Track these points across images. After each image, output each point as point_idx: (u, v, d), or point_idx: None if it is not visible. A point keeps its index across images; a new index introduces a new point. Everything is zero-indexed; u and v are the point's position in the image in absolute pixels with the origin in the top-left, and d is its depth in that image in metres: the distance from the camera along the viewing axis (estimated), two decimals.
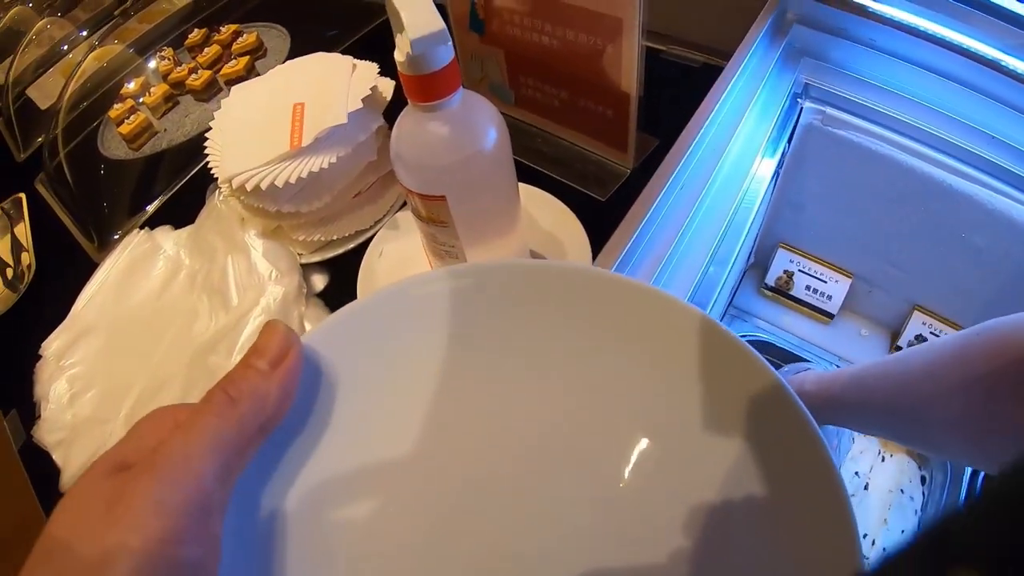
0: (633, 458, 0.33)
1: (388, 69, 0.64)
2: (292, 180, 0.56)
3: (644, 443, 0.33)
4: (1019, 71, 0.61)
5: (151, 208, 0.78)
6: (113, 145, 0.90)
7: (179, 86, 0.94)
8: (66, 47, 1.11)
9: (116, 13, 1.11)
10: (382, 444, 0.32)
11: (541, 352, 0.36)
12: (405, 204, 0.67)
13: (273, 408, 0.27)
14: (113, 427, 0.57)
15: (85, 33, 1.10)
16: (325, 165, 0.56)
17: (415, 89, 0.42)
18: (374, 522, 0.31)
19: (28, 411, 0.63)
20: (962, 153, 0.67)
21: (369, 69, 0.63)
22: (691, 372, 0.33)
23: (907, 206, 0.76)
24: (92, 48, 1.01)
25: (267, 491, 0.29)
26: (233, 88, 0.67)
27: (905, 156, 0.70)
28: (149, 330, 0.63)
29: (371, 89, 0.60)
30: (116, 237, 0.75)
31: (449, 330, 0.35)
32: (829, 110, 0.71)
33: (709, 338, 0.33)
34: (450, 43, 0.40)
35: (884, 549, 0.81)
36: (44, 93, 1.06)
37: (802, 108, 0.70)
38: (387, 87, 0.65)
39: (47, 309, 0.69)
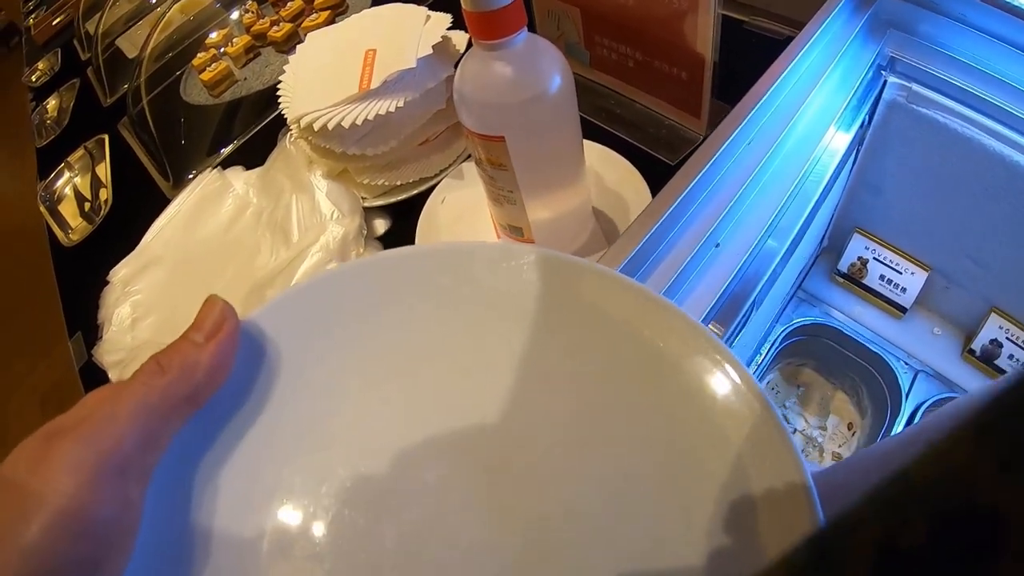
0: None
1: (463, 24, 0.65)
2: (359, 122, 0.57)
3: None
4: None
5: (226, 151, 0.81)
6: (195, 92, 0.93)
7: (261, 37, 0.97)
8: (155, 1, 1.15)
9: None
10: (318, 426, 0.31)
11: (500, 342, 0.34)
12: (471, 156, 0.67)
13: (203, 378, 0.27)
14: None
15: None
16: (392, 109, 0.57)
17: (478, 26, 0.42)
18: (302, 507, 0.30)
19: (92, 334, 0.66)
20: None
21: (442, 19, 0.64)
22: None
23: (994, 197, 0.71)
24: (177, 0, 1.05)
25: (199, 468, 0.28)
26: (309, 35, 0.68)
27: (996, 143, 0.66)
28: (212, 263, 0.65)
29: (442, 38, 0.61)
30: (191, 176, 0.78)
31: (397, 314, 0.34)
32: (915, 87, 0.67)
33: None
34: None
35: None
36: (133, 43, 1.10)
37: (885, 82, 0.67)
38: (460, 39, 0.65)
39: (120, 241, 0.72)
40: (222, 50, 0.95)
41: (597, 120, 0.69)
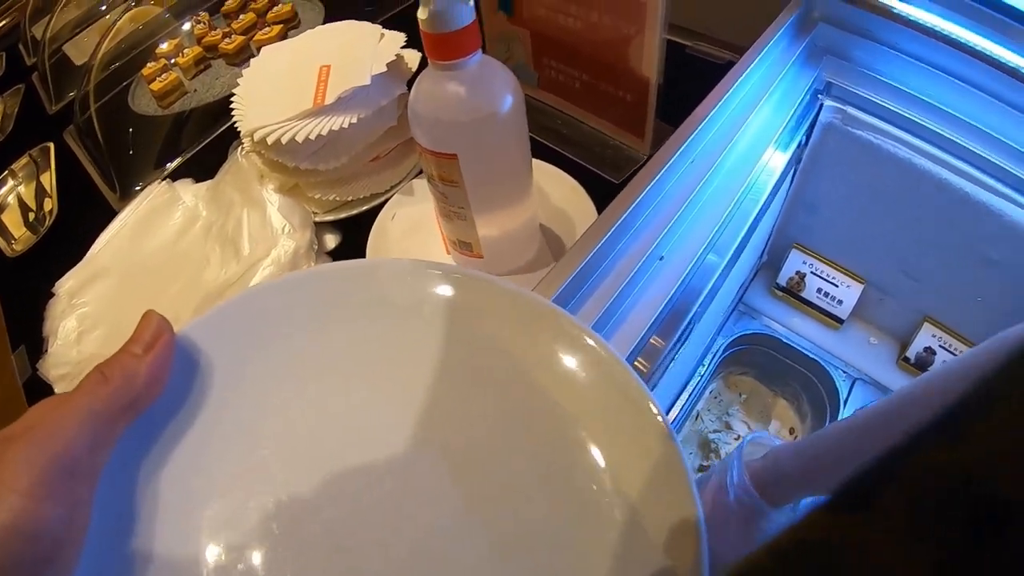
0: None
1: (416, 43, 0.66)
2: (312, 137, 0.57)
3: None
4: None
5: (174, 163, 0.80)
6: (143, 102, 0.92)
7: (212, 49, 0.96)
8: (104, 7, 1.13)
9: None
10: (247, 430, 0.33)
11: (411, 356, 0.37)
12: (422, 172, 0.68)
13: (142, 387, 0.29)
14: None
15: None
16: (345, 125, 0.58)
17: (435, 46, 0.43)
18: (232, 512, 0.31)
19: (36, 348, 0.65)
20: (983, 163, 0.66)
21: (396, 38, 0.65)
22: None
23: (924, 214, 0.75)
24: (127, 7, 1.04)
25: (140, 471, 0.30)
26: (263, 49, 0.68)
27: (925, 161, 0.70)
28: (161, 275, 0.65)
29: (396, 56, 0.62)
30: (138, 188, 0.77)
31: (321, 328, 0.36)
32: (850, 109, 0.71)
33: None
34: (472, 3, 0.41)
35: None
36: (80, 51, 1.08)
37: (822, 105, 0.71)
38: (413, 58, 0.66)
39: (65, 252, 0.71)
40: (172, 60, 0.94)
41: (544, 140, 0.71)
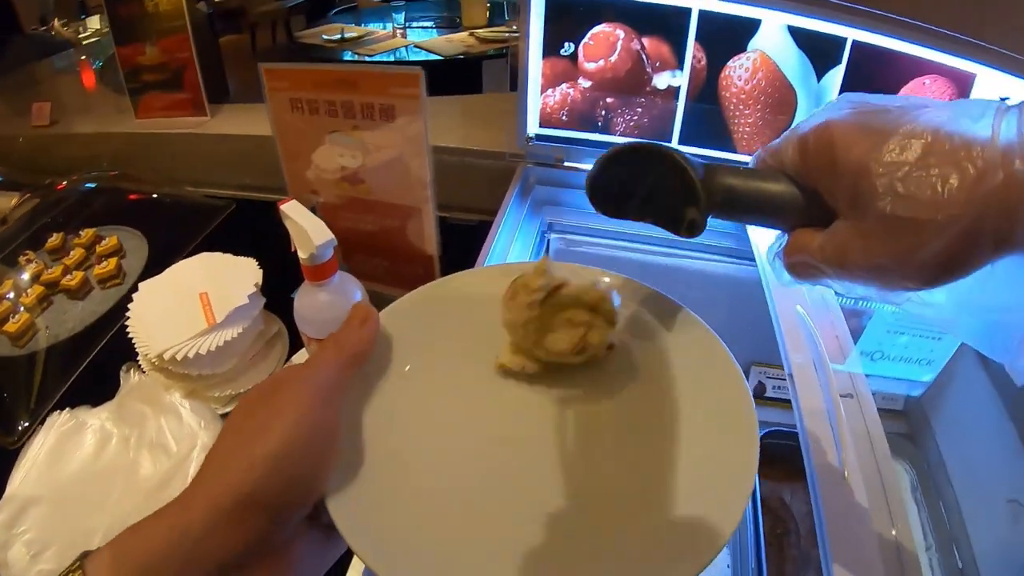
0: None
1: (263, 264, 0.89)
2: (213, 348, 0.78)
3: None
4: None
5: (52, 401, 0.90)
6: None
7: (52, 286, 1.06)
8: None
9: None
10: (426, 392, 0.48)
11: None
12: (287, 360, 0.91)
13: (364, 347, 0.44)
14: None
15: None
16: (235, 335, 0.80)
17: (314, 273, 0.68)
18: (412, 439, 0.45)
19: None
20: (660, 241, 1.04)
21: (248, 263, 0.88)
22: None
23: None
24: None
25: (359, 406, 0.45)
26: (141, 284, 0.87)
27: (623, 253, 1.06)
28: (95, 487, 0.76)
29: (255, 282, 0.85)
30: (23, 426, 0.87)
31: (460, 319, 0.53)
32: (569, 236, 1.06)
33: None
34: (335, 244, 0.67)
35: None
36: None
37: (549, 239, 1.05)
38: (260, 276, 0.89)
39: None
40: (20, 306, 1.03)
41: None
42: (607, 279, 0.54)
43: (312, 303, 0.70)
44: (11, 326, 1.00)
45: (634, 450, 0.44)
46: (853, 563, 0.53)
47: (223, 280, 0.84)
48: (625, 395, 0.48)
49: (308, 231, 0.65)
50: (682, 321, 0.51)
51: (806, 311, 0.79)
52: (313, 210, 0.93)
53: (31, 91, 1.72)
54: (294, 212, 0.67)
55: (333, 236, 0.66)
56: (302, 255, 0.67)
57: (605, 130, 0.98)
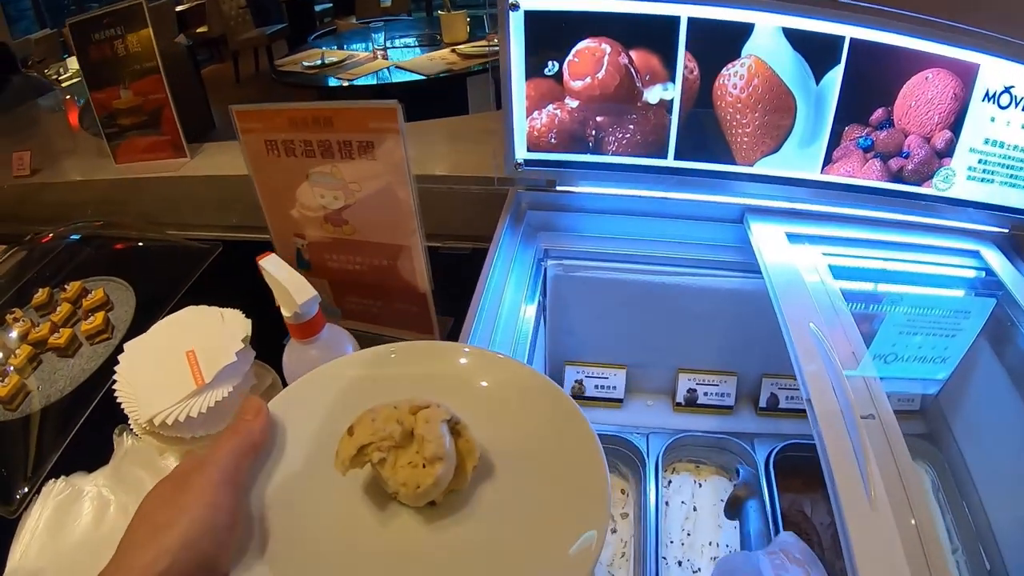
0: None
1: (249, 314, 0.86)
2: (204, 410, 0.75)
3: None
4: (673, 198, 0.97)
5: (48, 466, 0.88)
6: None
7: (41, 344, 1.03)
8: None
9: None
10: (310, 455, 0.52)
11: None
12: None
13: (258, 435, 0.49)
14: None
15: None
16: (226, 395, 0.76)
17: (300, 332, 0.65)
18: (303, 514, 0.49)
19: None
20: (658, 259, 1.00)
21: (235, 315, 0.84)
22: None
23: (640, 305, 1.06)
24: None
25: (258, 488, 0.49)
26: (126, 345, 0.84)
27: (624, 275, 1.03)
28: (100, 554, 0.71)
29: (243, 337, 0.81)
30: (19, 496, 0.85)
31: (348, 394, 0.57)
32: (566, 261, 1.02)
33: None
34: (319, 300, 0.64)
35: (727, 545, 1.00)
36: None
37: (546, 267, 1.01)
38: (249, 327, 0.84)
39: None
40: (10, 367, 1.00)
41: None
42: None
43: (301, 360, 0.67)
44: (2, 389, 0.97)
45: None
46: (880, 573, 0.54)
47: (210, 335, 0.81)
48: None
49: (289, 289, 0.62)
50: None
51: (818, 324, 0.77)
52: (299, 252, 0.91)
53: (12, 138, 1.70)
54: (274, 268, 0.64)
55: (316, 293, 0.63)
56: (286, 313, 0.64)
57: (597, 150, 0.94)
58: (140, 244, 1.27)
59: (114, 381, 0.81)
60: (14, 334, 1.07)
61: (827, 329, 0.76)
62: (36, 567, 0.75)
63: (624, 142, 0.93)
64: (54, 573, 0.75)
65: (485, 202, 1.03)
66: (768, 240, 0.93)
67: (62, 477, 0.84)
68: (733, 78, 0.86)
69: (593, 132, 0.93)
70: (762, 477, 1.00)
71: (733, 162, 0.92)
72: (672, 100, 0.88)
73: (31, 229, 1.30)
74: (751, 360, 1.12)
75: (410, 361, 0.59)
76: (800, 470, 1.01)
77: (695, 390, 1.17)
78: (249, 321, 0.85)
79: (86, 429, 0.93)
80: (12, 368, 1.01)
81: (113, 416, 0.85)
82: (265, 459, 0.51)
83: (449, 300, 0.87)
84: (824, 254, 0.92)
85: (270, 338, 0.80)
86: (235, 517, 0.44)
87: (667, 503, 1.04)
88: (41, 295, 1.14)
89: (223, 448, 0.47)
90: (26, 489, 0.86)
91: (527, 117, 0.93)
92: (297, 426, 0.54)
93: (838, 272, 0.89)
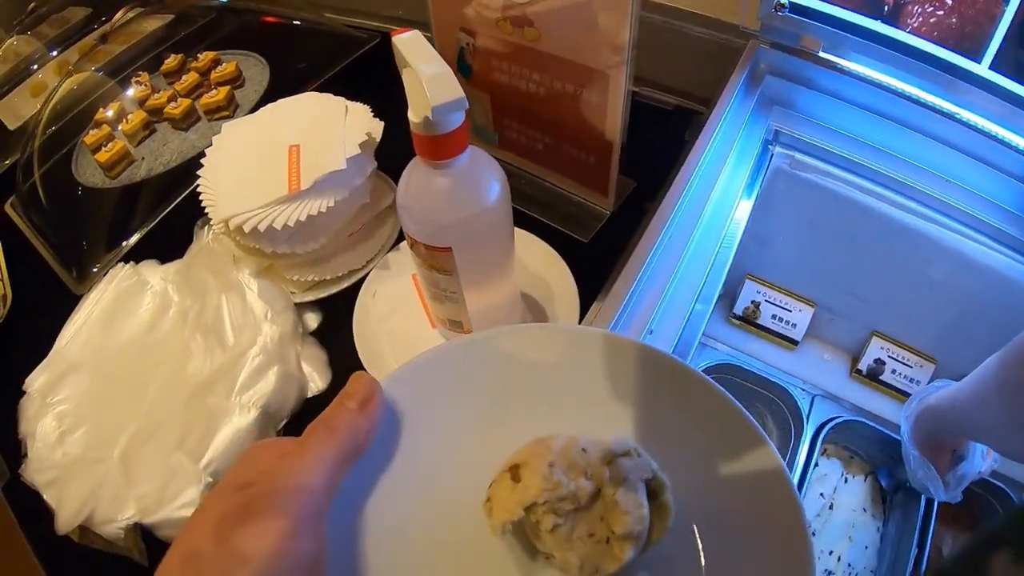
0: None
1: (376, 109, 0.67)
2: (291, 223, 0.57)
3: None
4: (970, 121, 0.67)
5: (132, 240, 0.78)
6: (88, 172, 0.88)
7: (156, 113, 0.92)
8: (36, 66, 1.09)
9: (87, 33, 1.10)
10: (437, 471, 0.39)
11: (557, 406, 0.41)
12: (396, 244, 0.68)
13: (363, 437, 0.35)
14: (108, 466, 0.56)
15: (55, 53, 1.09)
16: (323, 209, 0.58)
17: (427, 149, 0.44)
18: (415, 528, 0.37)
19: (10, 449, 0.62)
20: (917, 194, 0.73)
21: (362, 112, 0.65)
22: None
23: (866, 242, 0.81)
24: (68, 72, 0.99)
25: (356, 502, 0.36)
26: (224, 126, 0.67)
27: (865, 197, 0.76)
28: (140, 368, 0.63)
29: (366, 134, 0.62)
30: (95, 270, 0.75)
31: (493, 386, 0.41)
32: (797, 155, 0.75)
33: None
34: (466, 107, 0.42)
35: (849, 564, 0.85)
36: (13, 113, 1.04)
37: (773, 154, 0.74)
38: (378, 129, 0.66)
39: (27, 343, 0.68)
40: (117, 127, 0.90)
41: None
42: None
43: (423, 192, 0.46)
44: (103, 155, 0.87)
45: None
46: None
47: (325, 130, 0.62)
48: None
49: (425, 83, 0.40)
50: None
51: None
52: (462, 53, 0.69)
53: None
54: (411, 49, 0.42)
55: (462, 96, 0.40)
56: (413, 118, 0.42)
57: (891, 19, 0.64)
58: (292, 21, 1.09)
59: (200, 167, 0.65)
60: (131, 96, 0.96)
61: None
62: (76, 360, 0.66)
63: (932, 21, 0.63)
64: (90, 372, 0.65)
65: (710, 53, 0.77)
66: None
67: (131, 263, 0.72)
68: None
69: None
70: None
71: None
72: None
73: None
74: (962, 355, 0.89)
75: (585, 354, 0.42)
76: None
77: (884, 362, 0.96)
78: (380, 123, 0.66)
79: (177, 213, 0.80)
80: (120, 132, 0.91)
81: None
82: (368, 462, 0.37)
83: (631, 160, 0.64)
84: None
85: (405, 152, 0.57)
86: (320, 567, 0.31)
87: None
88: (172, 61, 1.01)
89: (314, 456, 0.32)
90: (97, 267, 0.76)
91: None
92: (418, 417, 0.39)
93: None
